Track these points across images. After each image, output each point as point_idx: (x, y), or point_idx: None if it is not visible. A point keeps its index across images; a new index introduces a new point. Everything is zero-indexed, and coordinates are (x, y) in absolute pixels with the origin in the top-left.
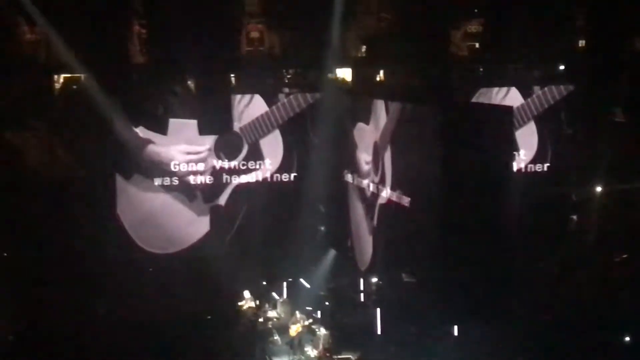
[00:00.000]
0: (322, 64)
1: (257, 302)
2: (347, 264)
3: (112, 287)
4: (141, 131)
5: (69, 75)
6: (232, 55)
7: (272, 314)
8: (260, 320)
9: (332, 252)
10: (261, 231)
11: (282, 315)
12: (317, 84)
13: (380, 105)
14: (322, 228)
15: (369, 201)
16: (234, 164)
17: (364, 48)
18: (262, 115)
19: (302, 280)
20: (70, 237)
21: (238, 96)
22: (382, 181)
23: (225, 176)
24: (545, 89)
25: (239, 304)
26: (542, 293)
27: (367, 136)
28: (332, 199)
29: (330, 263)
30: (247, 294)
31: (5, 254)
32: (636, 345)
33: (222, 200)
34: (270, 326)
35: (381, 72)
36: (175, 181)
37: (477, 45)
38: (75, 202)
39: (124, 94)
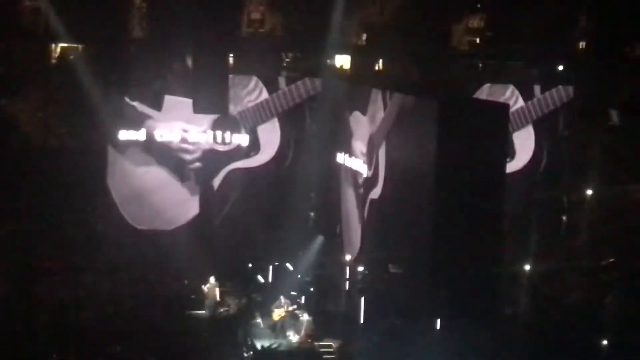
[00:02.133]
0: (323, 49)
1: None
2: (335, 251)
3: (97, 261)
4: (137, 106)
5: (66, 45)
6: (231, 35)
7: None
8: (243, 301)
9: (320, 239)
10: (251, 215)
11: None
12: (316, 70)
13: (377, 96)
14: (312, 214)
15: (361, 192)
16: (230, 148)
17: (364, 36)
18: (262, 102)
19: (288, 264)
20: (60, 209)
21: (239, 80)
22: (375, 175)
23: (220, 159)
24: (547, 93)
25: (203, 287)
26: (528, 293)
27: (363, 127)
28: (324, 187)
29: (317, 250)
30: (212, 279)
31: None
32: (617, 347)
33: (216, 183)
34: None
35: (380, 61)
36: (170, 158)
37: (477, 40)
38: (66, 173)
39: (121, 67)
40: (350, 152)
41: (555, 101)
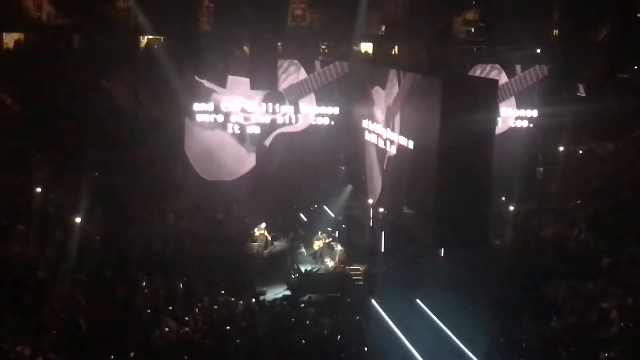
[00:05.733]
0: (350, 38)
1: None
2: (361, 196)
3: (177, 205)
4: (206, 84)
5: (151, 37)
6: (279, 28)
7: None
8: (290, 235)
9: (349, 187)
10: (295, 170)
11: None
12: (345, 54)
13: (393, 74)
14: (343, 168)
15: (380, 150)
16: (277, 116)
17: (383, 28)
18: (302, 81)
19: (325, 207)
20: (148, 165)
21: (284, 64)
22: (392, 136)
23: (270, 125)
24: (526, 71)
25: (255, 231)
26: (513, 228)
27: (382, 98)
28: (351, 146)
29: (347, 195)
30: (262, 225)
31: (97, 174)
32: (581, 269)
33: (267, 143)
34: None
35: (396, 47)
36: (231, 124)
37: (472, 29)
38: (152, 137)
39: (194, 54)
40: (372, 118)
41: (533, 78)
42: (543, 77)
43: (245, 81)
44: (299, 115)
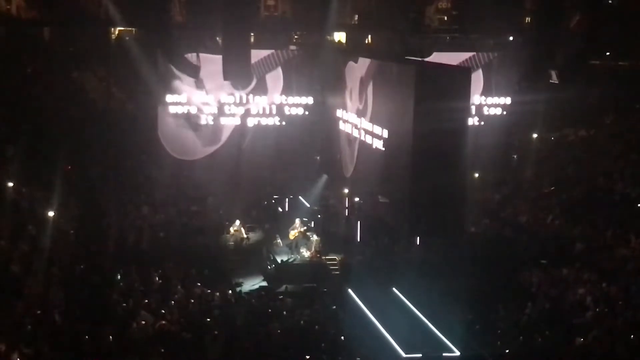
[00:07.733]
0: (323, 28)
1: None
2: (336, 186)
3: (152, 197)
4: (179, 74)
5: (123, 28)
6: (252, 18)
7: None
8: (266, 226)
9: (324, 177)
10: (271, 160)
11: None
12: (318, 44)
13: (367, 62)
14: (318, 158)
15: (354, 139)
16: (245, 93)
17: (356, 17)
18: (268, 55)
19: (301, 197)
20: (121, 157)
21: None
22: (364, 112)
23: (244, 116)
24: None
25: (230, 228)
26: (487, 215)
27: (355, 71)
28: (326, 136)
29: (322, 185)
30: (237, 222)
31: (69, 167)
32: (555, 255)
33: (241, 133)
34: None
35: (369, 36)
36: (203, 110)
37: (445, 18)
38: (125, 129)
39: (166, 45)
40: (346, 107)
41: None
42: (516, 64)
43: (218, 72)
44: (272, 105)
